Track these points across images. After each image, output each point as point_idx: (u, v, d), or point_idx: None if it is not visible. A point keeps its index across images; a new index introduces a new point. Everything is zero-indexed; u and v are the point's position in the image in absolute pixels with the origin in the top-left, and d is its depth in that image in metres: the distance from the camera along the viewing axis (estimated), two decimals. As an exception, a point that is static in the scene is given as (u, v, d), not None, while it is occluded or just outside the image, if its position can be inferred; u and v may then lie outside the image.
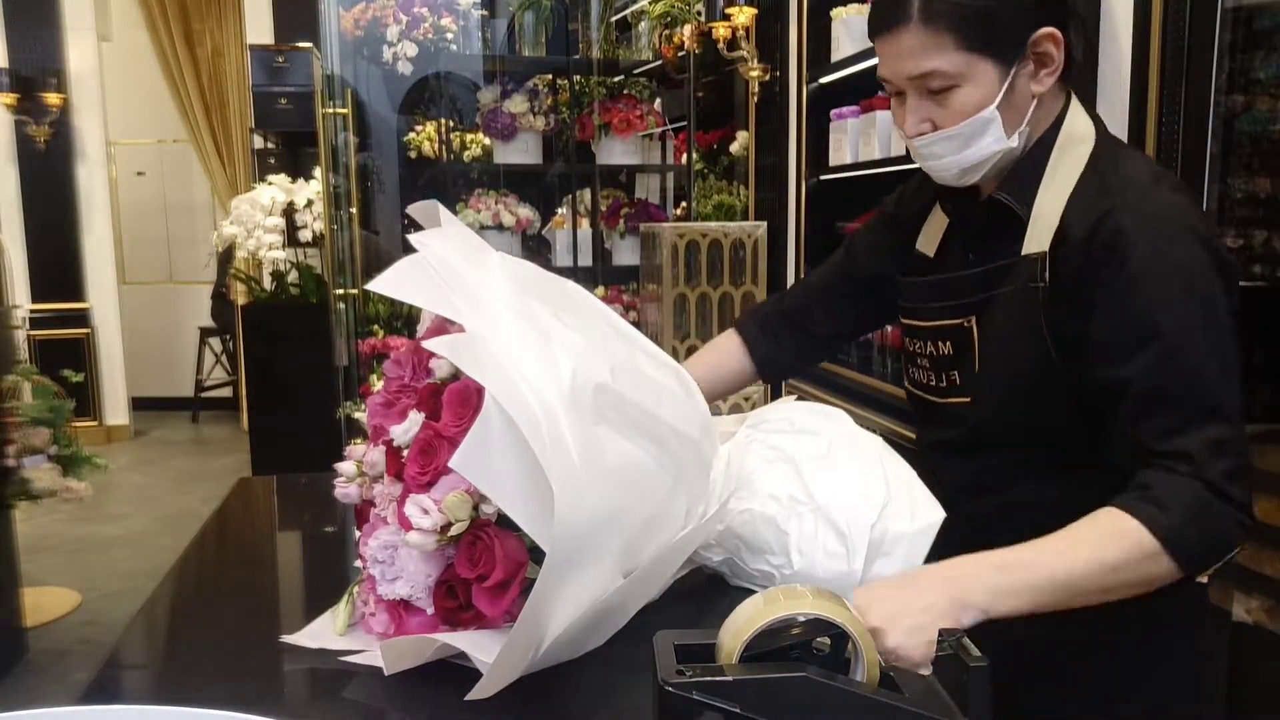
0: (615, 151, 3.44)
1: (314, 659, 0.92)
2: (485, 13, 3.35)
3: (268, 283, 4.97)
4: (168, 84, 6.68)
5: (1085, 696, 1.09)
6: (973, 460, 1.10)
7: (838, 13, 2.75)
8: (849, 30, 2.69)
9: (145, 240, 7.11)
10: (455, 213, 3.01)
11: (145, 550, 4.17)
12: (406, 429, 0.89)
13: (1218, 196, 1.60)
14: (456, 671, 0.85)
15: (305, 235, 4.63)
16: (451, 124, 3.43)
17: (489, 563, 0.83)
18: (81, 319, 5.99)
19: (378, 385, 1.05)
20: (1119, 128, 1.69)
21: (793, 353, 1.38)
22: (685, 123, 3.40)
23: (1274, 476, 1.64)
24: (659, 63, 3.52)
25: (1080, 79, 1.19)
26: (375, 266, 3.27)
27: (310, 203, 4.63)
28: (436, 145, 3.37)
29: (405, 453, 0.88)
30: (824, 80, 2.92)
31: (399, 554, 0.88)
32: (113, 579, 3.80)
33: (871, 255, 1.30)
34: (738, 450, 1.12)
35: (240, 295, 5.77)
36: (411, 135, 3.39)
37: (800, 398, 1.34)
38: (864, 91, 2.70)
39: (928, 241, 1.20)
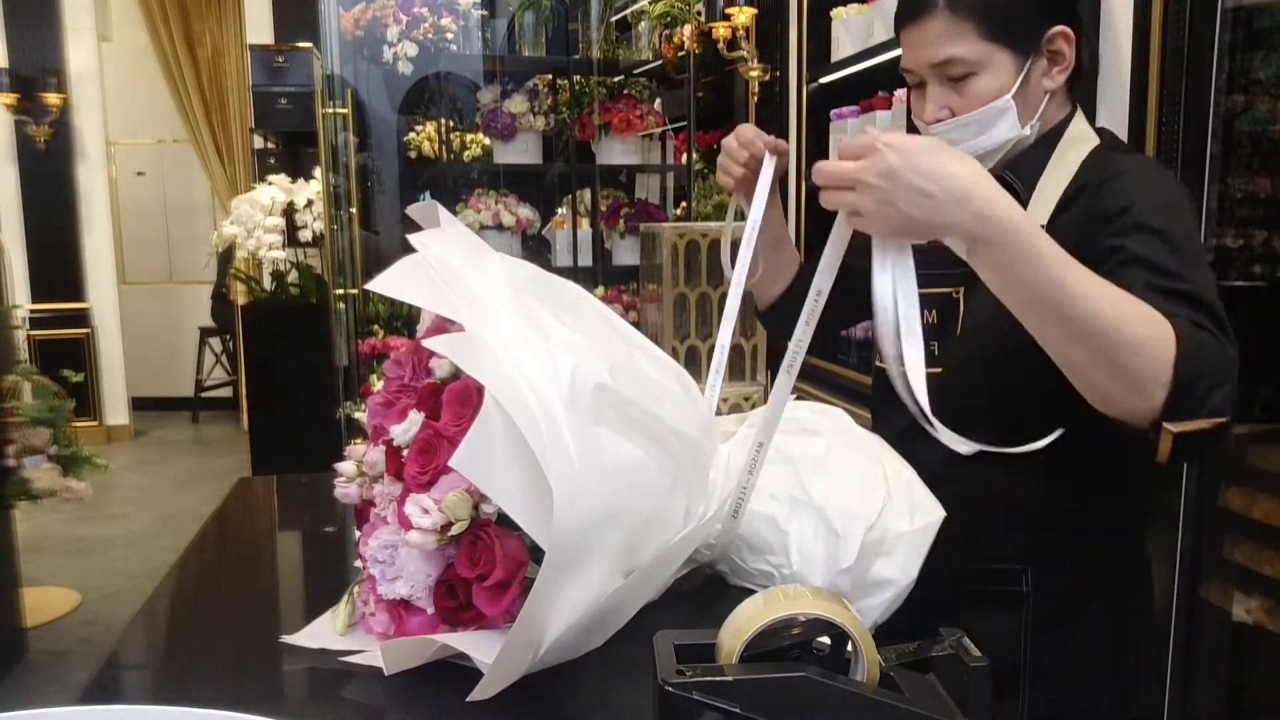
0: (615, 151, 3.44)
1: (314, 659, 0.92)
2: (485, 13, 3.35)
3: (268, 283, 4.98)
4: (168, 84, 6.69)
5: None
6: (931, 456, 1.09)
7: (838, 13, 2.75)
8: (849, 30, 2.69)
9: (145, 240, 7.12)
10: (455, 213, 3.01)
11: (145, 550, 4.17)
12: (406, 429, 0.89)
13: (1218, 196, 1.60)
14: (457, 672, 0.85)
15: (305, 235, 4.64)
16: (451, 124, 3.43)
17: (489, 562, 0.83)
18: (81, 319, 5.99)
19: (378, 385, 1.06)
20: (1119, 128, 1.69)
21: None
22: (685, 123, 3.40)
23: (1274, 476, 1.64)
24: (659, 63, 3.52)
25: (1081, 80, 1.23)
26: (375, 266, 3.27)
27: (310, 203, 4.63)
28: (436, 145, 3.37)
29: (405, 452, 0.88)
30: (824, 80, 2.92)
31: (399, 554, 0.88)
32: (113, 579, 3.81)
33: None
34: (738, 450, 1.12)
35: (240, 295, 5.77)
36: (411, 135, 3.39)
37: (800, 397, 1.34)
38: (864, 91, 2.70)
39: None
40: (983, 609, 1.07)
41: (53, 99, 5.72)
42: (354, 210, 3.43)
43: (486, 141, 3.42)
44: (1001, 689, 0.92)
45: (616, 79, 3.52)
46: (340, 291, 3.45)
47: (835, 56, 2.81)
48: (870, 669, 0.69)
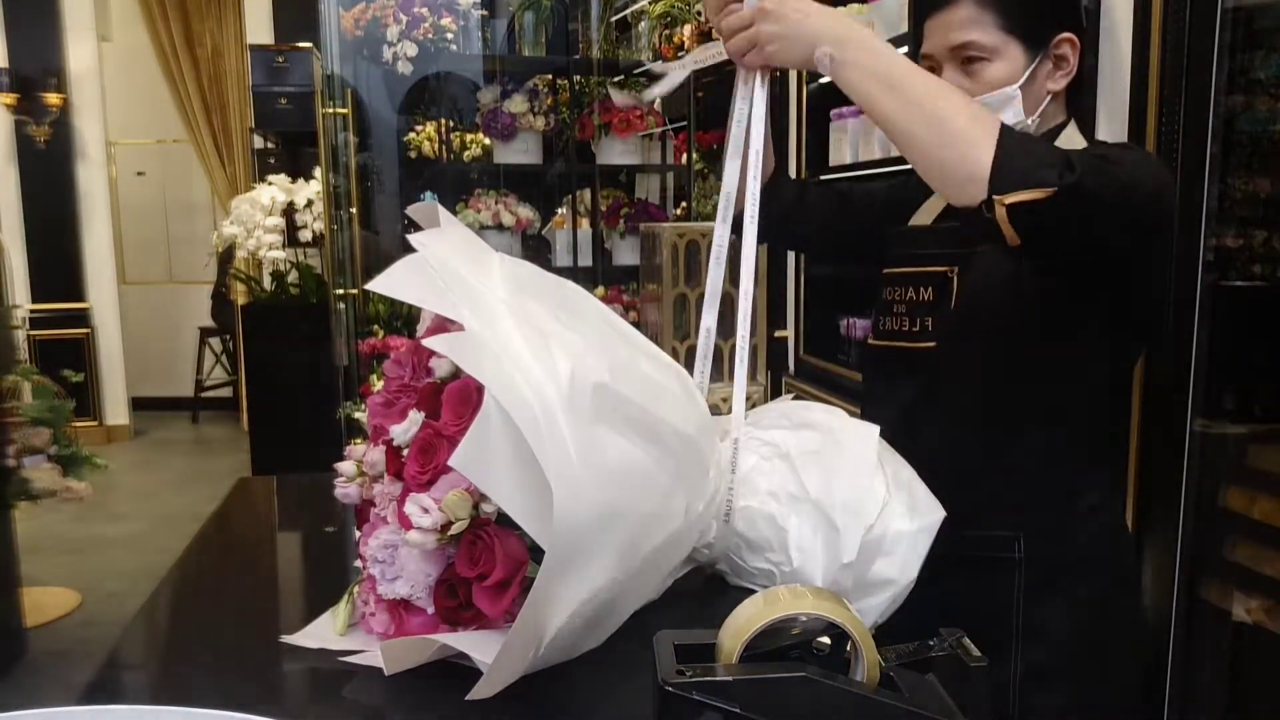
0: (615, 151, 3.43)
1: (314, 659, 0.92)
2: (485, 13, 3.34)
3: (268, 283, 4.98)
4: (168, 84, 6.69)
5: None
6: (919, 432, 1.16)
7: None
8: (849, 30, 2.69)
9: (145, 240, 7.12)
10: (455, 213, 3.01)
11: (145, 550, 4.17)
12: (406, 428, 0.89)
13: (1218, 196, 1.60)
14: (457, 671, 0.85)
15: (305, 235, 4.64)
16: (451, 124, 3.42)
17: (489, 562, 0.83)
18: (81, 319, 5.99)
19: (378, 385, 1.06)
20: (1119, 128, 1.69)
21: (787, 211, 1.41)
22: (685, 123, 3.40)
23: (1274, 476, 1.64)
24: (659, 63, 3.52)
25: (1079, 92, 1.26)
26: (375, 266, 3.26)
27: (310, 203, 4.63)
28: (436, 145, 3.37)
29: (405, 452, 0.88)
30: (824, 80, 2.92)
31: (399, 553, 0.88)
32: (113, 579, 3.80)
33: (867, 201, 1.41)
34: (737, 449, 1.12)
35: (240, 295, 5.77)
36: (411, 135, 3.39)
37: (799, 397, 1.34)
38: (864, 91, 2.70)
39: (924, 215, 1.29)
40: (975, 576, 1.13)
41: (53, 99, 5.72)
42: (354, 210, 3.43)
43: (486, 141, 3.42)
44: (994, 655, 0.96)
45: (616, 79, 3.52)
46: (340, 291, 3.45)
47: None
48: (870, 669, 0.69)
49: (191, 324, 6.98)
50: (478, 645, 0.83)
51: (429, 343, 0.83)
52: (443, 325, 0.91)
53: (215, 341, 6.92)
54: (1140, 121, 1.64)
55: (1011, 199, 0.99)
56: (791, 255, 3.17)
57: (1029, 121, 1.17)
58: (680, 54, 3.38)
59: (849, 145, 2.75)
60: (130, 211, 7.00)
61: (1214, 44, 1.54)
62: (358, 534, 0.98)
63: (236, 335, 6.32)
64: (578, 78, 3.41)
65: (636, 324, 2.63)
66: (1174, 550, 1.68)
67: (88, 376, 5.76)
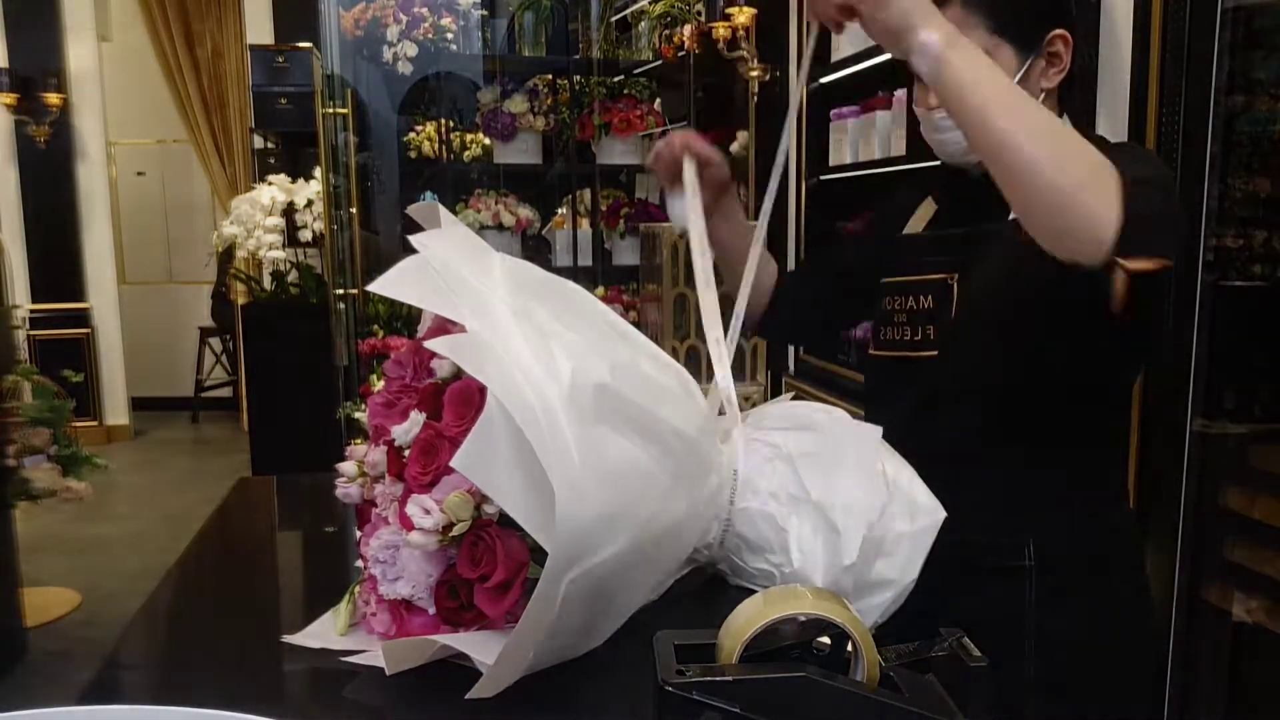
0: (615, 151, 3.44)
1: (314, 659, 0.92)
2: (485, 13, 3.35)
3: (268, 283, 4.98)
4: (168, 84, 6.68)
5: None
6: (923, 442, 1.12)
7: (838, 13, 2.74)
8: (849, 30, 2.69)
9: (145, 240, 7.12)
10: (455, 213, 3.01)
11: (145, 550, 4.17)
12: (408, 429, 0.89)
13: (1218, 196, 1.60)
14: (458, 671, 0.85)
15: (305, 235, 4.63)
16: (451, 124, 3.42)
17: (491, 563, 0.84)
18: (81, 319, 5.99)
19: (378, 385, 1.06)
20: (1119, 127, 1.69)
21: (790, 319, 1.44)
22: (685, 123, 3.40)
23: (1274, 476, 1.64)
24: (659, 63, 3.52)
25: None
26: (375, 266, 3.27)
27: (310, 203, 4.63)
28: (436, 145, 3.37)
29: (406, 453, 0.88)
30: (824, 80, 2.92)
31: (400, 554, 0.88)
32: (113, 579, 3.80)
33: (860, 245, 1.40)
34: (737, 449, 1.12)
35: (240, 295, 5.77)
36: (411, 135, 3.39)
37: (799, 397, 1.34)
38: (864, 92, 2.70)
39: (917, 224, 1.28)
40: (984, 582, 1.13)
41: (53, 99, 5.72)
42: (354, 210, 3.43)
43: (486, 141, 3.42)
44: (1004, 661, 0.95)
45: (616, 79, 3.52)
46: (340, 291, 3.45)
47: (835, 56, 2.82)
48: (870, 669, 0.69)
49: (191, 324, 6.98)
50: (478, 646, 0.83)
51: (430, 343, 0.83)
52: (444, 326, 0.91)
53: (215, 341, 6.92)
54: (1140, 121, 1.64)
55: (1135, 265, 0.89)
56: (791, 254, 3.17)
57: None
58: (680, 54, 3.38)
59: (849, 145, 2.76)
60: (130, 211, 6.99)
61: (1214, 44, 1.54)
62: (358, 534, 0.98)
63: (236, 335, 6.32)
64: (578, 78, 3.41)
65: (636, 324, 2.63)
66: (1174, 550, 1.68)
67: (88, 376, 5.76)
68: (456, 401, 0.86)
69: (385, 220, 3.41)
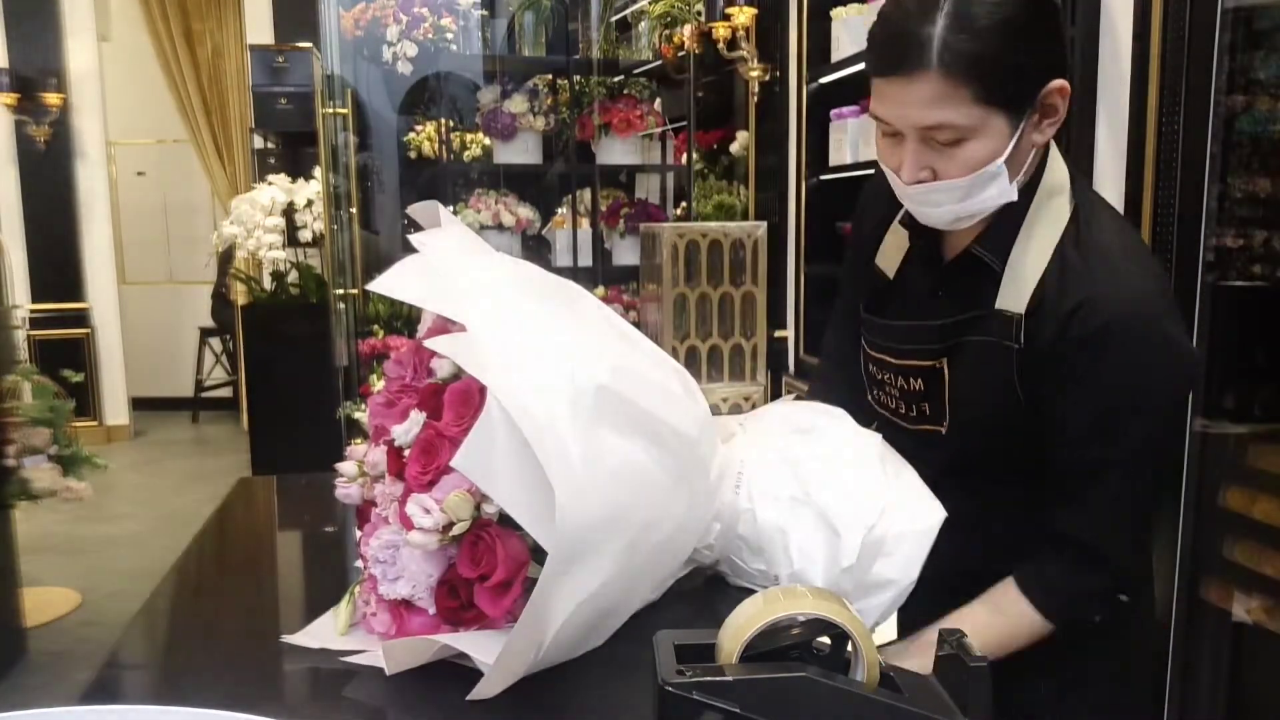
0: (615, 151, 3.44)
1: (314, 659, 0.92)
2: (485, 13, 3.35)
3: (268, 283, 4.97)
4: (168, 84, 6.68)
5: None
6: (947, 492, 1.08)
7: (838, 13, 2.75)
8: (849, 30, 2.69)
9: (145, 240, 7.11)
10: (455, 213, 3.01)
11: (145, 550, 4.17)
12: (408, 429, 0.89)
13: (1218, 196, 1.60)
14: (458, 671, 0.85)
15: (305, 235, 4.63)
16: (451, 124, 3.42)
17: (491, 563, 0.84)
18: (81, 319, 5.99)
19: (378, 385, 1.06)
20: (1119, 128, 1.69)
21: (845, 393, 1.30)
22: (685, 123, 3.40)
23: (1274, 476, 1.64)
24: (659, 63, 3.52)
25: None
26: (375, 266, 3.27)
27: (310, 203, 4.63)
28: (436, 145, 3.37)
29: (406, 452, 0.88)
30: (824, 80, 2.92)
31: (400, 554, 0.88)
32: (113, 579, 3.80)
33: (854, 288, 1.28)
34: (737, 450, 1.12)
35: (240, 295, 5.77)
36: (411, 135, 3.39)
37: (799, 398, 1.34)
38: (864, 91, 2.69)
39: (886, 260, 1.19)
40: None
41: (53, 99, 5.72)
42: (354, 210, 3.43)
43: (486, 141, 3.42)
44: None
45: (616, 79, 3.52)
46: (340, 291, 3.45)
47: (835, 56, 2.82)
48: (870, 669, 0.69)
49: (191, 324, 6.97)
50: (479, 646, 0.83)
51: (431, 343, 0.83)
52: (444, 326, 0.91)
53: (215, 341, 6.91)
54: (1140, 121, 1.64)
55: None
56: (791, 254, 3.17)
57: (1013, 194, 1.01)
58: (680, 54, 3.38)
59: (849, 145, 2.76)
60: (130, 211, 6.99)
61: (1214, 44, 1.54)
62: (358, 534, 0.98)
63: (236, 335, 6.32)
64: (578, 78, 3.41)
65: (636, 324, 2.63)
66: (1174, 550, 1.68)
67: (88, 376, 5.75)
68: (456, 401, 0.86)
69: (385, 220, 3.41)
